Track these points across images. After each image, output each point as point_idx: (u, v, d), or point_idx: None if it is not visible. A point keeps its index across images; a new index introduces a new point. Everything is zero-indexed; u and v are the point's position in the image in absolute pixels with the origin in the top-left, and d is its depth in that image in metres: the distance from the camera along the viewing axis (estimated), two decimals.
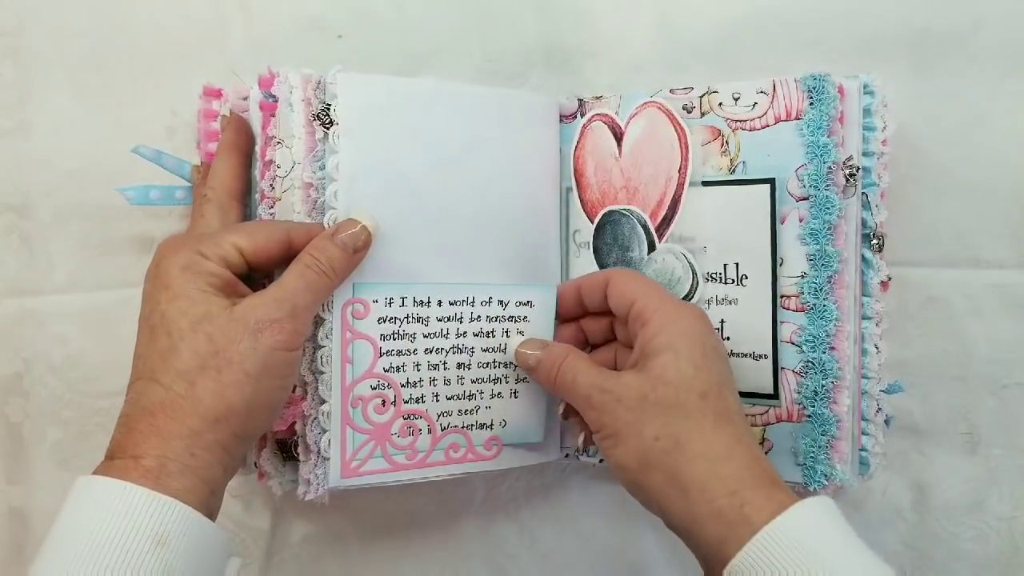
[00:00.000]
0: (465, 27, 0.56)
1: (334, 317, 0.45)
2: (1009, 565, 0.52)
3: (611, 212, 0.50)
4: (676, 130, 0.48)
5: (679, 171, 0.48)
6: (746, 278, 0.47)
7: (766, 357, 0.47)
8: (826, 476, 0.46)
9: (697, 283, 0.48)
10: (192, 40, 0.55)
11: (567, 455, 0.53)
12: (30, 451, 0.56)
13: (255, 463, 0.48)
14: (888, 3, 0.51)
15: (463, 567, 0.57)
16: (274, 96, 0.46)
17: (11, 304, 0.55)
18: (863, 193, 0.47)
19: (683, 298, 0.48)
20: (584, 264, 0.52)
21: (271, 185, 0.46)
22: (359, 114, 0.45)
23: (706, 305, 0.48)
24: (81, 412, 0.55)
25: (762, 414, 0.48)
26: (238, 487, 0.56)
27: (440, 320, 0.48)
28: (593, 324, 0.50)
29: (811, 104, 0.45)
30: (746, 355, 0.47)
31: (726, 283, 0.47)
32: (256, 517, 0.56)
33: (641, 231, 0.49)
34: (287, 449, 0.47)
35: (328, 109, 0.45)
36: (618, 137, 0.50)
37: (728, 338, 0.47)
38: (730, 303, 0.47)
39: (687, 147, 0.48)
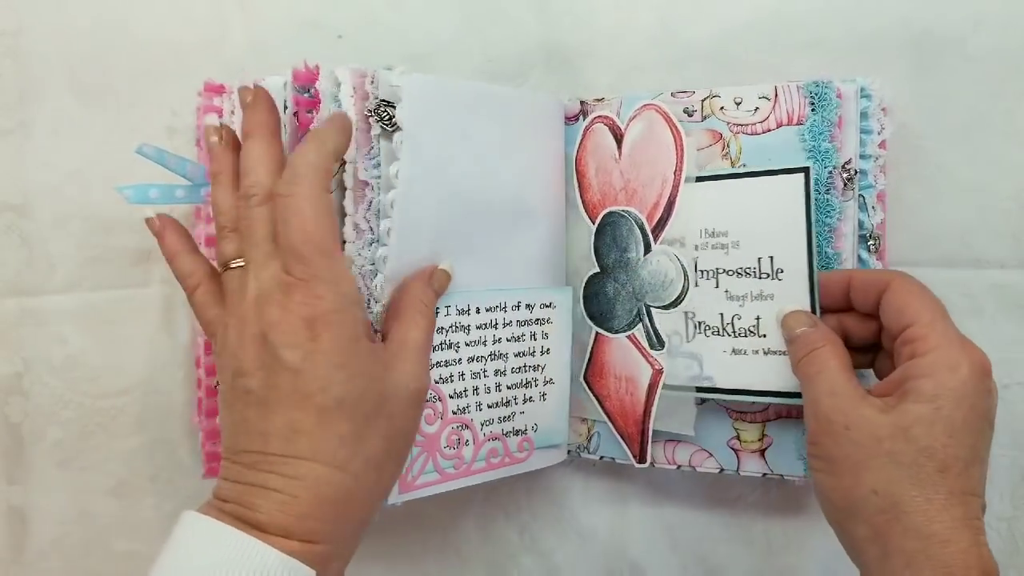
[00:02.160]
0: (465, 27, 0.56)
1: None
2: (1009, 565, 0.52)
3: (611, 213, 0.50)
4: (672, 132, 0.48)
5: (674, 172, 0.48)
6: (782, 272, 0.45)
7: None
8: None
9: (688, 286, 0.48)
10: (192, 40, 0.56)
11: (568, 451, 0.53)
12: (30, 451, 0.56)
13: None
14: (888, 3, 0.51)
15: (463, 568, 0.57)
16: (309, 91, 0.45)
17: (11, 304, 0.55)
18: (860, 195, 0.46)
19: (674, 300, 0.48)
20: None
21: None
22: (420, 119, 0.44)
23: (739, 303, 0.46)
24: (81, 412, 0.55)
25: (762, 411, 0.48)
26: None
27: (479, 328, 0.47)
28: (856, 324, 0.44)
29: (813, 110, 0.46)
30: (784, 353, 0.45)
31: (760, 278, 0.46)
32: None
33: (638, 232, 0.49)
34: None
35: (390, 108, 0.43)
36: (618, 139, 0.50)
37: (765, 335, 0.46)
38: (766, 298, 0.46)
39: (683, 149, 0.47)
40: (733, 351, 0.47)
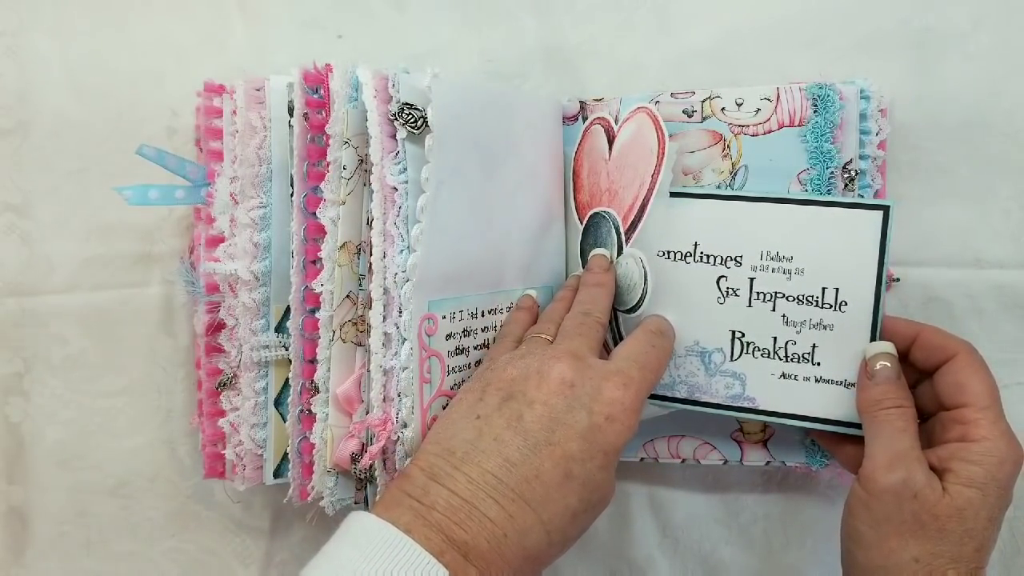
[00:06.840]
0: (465, 27, 0.56)
1: (412, 335, 0.43)
2: (1009, 565, 0.52)
3: (595, 214, 0.49)
4: (658, 136, 0.47)
5: (652, 175, 0.46)
6: (845, 304, 0.44)
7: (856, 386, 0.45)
8: (826, 456, 0.48)
9: (646, 292, 0.47)
10: (192, 40, 0.56)
11: None
12: (30, 451, 0.56)
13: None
14: (888, 3, 0.51)
15: None
16: (318, 92, 0.44)
17: (11, 304, 0.55)
18: (859, 195, 0.47)
19: (633, 306, 0.48)
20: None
21: (331, 188, 0.44)
22: (447, 121, 0.43)
23: (796, 329, 0.45)
24: (81, 412, 0.55)
25: None
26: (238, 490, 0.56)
27: (483, 331, 0.47)
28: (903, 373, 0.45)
29: (815, 112, 0.46)
30: (838, 383, 0.45)
31: (822, 307, 0.45)
32: (256, 518, 0.56)
33: (615, 234, 0.48)
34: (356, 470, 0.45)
35: (414, 111, 0.42)
36: (611, 141, 0.49)
37: (819, 364, 0.45)
38: (825, 328, 0.45)
39: (663, 154, 0.46)
40: (782, 375, 0.46)
